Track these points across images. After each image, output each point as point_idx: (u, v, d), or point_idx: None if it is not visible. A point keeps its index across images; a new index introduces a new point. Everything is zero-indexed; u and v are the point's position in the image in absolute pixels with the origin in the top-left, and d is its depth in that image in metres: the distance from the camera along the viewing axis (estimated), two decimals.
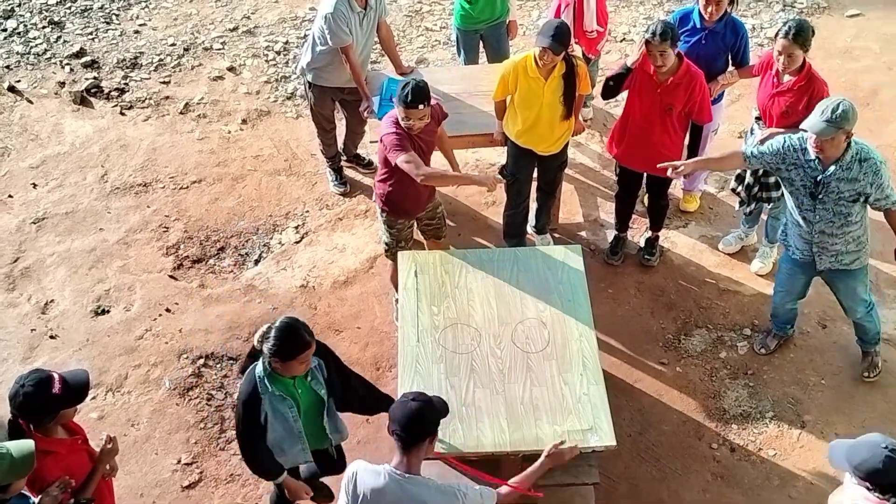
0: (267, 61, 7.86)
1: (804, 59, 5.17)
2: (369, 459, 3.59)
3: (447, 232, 5.69)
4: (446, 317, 4.77)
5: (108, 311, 5.94)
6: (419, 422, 3.39)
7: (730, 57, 5.73)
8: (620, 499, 4.98)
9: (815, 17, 8.11)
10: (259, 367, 3.89)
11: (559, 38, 5.13)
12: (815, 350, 5.65)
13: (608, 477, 4.99)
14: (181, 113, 7.38)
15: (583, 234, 6.42)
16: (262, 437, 4.02)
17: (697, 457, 5.18)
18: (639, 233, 6.31)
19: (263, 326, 3.84)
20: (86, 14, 8.29)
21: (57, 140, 7.16)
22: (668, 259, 6.24)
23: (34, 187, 6.78)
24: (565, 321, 4.74)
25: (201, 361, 5.63)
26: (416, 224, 5.52)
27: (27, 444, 3.43)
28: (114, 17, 8.30)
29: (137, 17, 8.31)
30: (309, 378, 4.01)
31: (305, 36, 7.55)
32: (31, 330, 5.82)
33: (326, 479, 4.73)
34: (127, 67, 7.75)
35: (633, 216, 6.20)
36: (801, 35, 5.05)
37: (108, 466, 3.96)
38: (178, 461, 5.17)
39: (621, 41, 7.93)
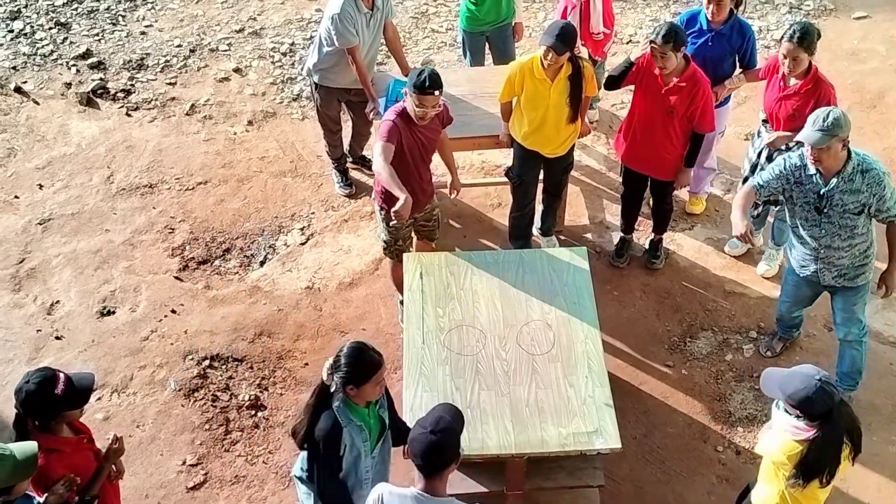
0: (273, 63, 7.86)
1: (810, 63, 5.17)
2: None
3: (452, 233, 5.68)
4: (451, 318, 4.77)
5: (114, 312, 5.95)
6: (439, 453, 3.34)
7: (737, 59, 5.73)
8: (625, 501, 4.98)
9: (821, 20, 8.09)
10: (336, 402, 3.73)
11: (563, 37, 5.13)
12: (820, 353, 5.63)
13: (613, 479, 4.98)
14: (187, 114, 7.39)
15: (588, 236, 6.41)
16: (339, 471, 3.82)
17: (703, 459, 5.17)
18: (644, 235, 6.30)
19: (329, 359, 3.74)
20: (92, 15, 8.31)
21: (63, 141, 7.17)
22: (673, 261, 6.23)
23: (40, 188, 6.80)
24: (570, 323, 4.74)
25: (207, 363, 5.64)
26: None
27: (30, 446, 3.43)
28: (120, 19, 8.31)
29: (144, 19, 8.32)
30: (378, 405, 3.88)
31: (311, 37, 7.55)
32: (37, 331, 5.83)
33: None
34: (133, 69, 7.76)
35: (639, 218, 6.19)
36: (805, 39, 5.05)
37: (114, 468, 3.96)
38: (184, 462, 5.18)
39: (627, 43, 7.92)
